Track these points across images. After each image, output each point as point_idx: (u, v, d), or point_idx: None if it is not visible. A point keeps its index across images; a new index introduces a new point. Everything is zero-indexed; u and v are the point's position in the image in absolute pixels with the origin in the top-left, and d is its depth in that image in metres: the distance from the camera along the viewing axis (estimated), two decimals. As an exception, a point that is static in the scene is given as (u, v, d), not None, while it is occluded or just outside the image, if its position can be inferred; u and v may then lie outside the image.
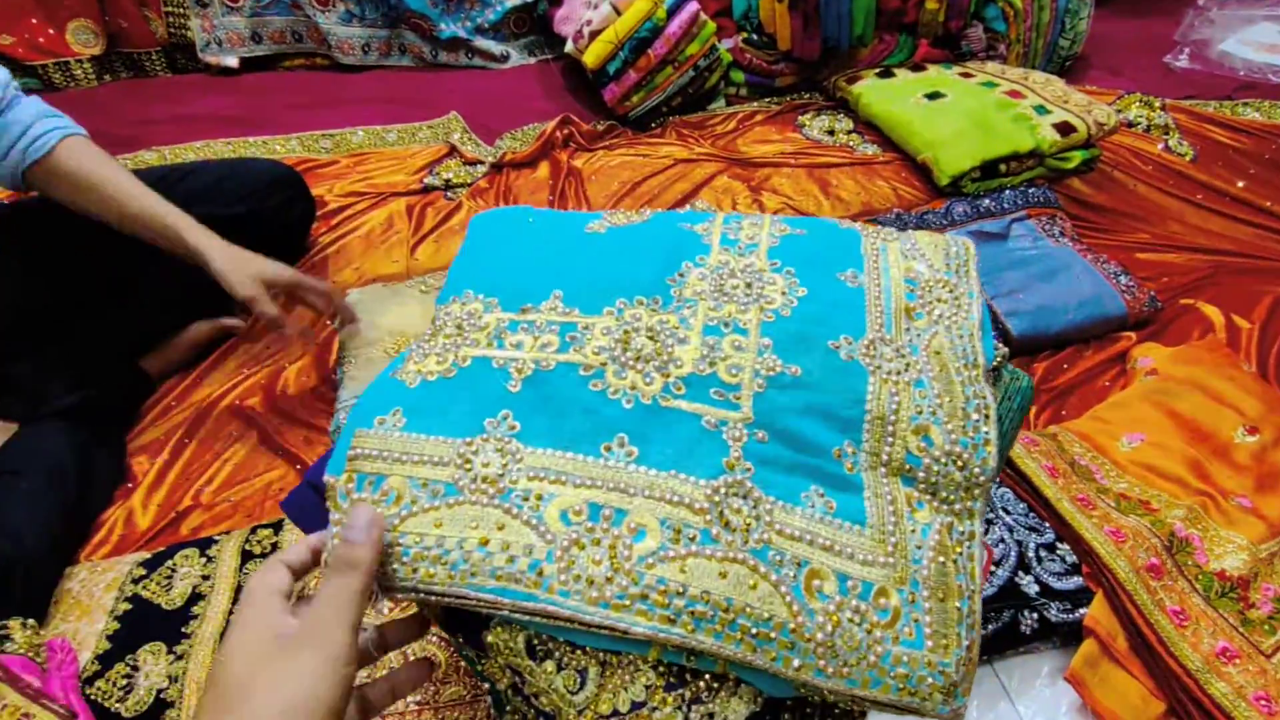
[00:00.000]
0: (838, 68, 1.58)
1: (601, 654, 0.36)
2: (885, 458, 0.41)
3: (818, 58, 1.56)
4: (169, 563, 0.78)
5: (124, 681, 0.68)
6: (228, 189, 1.03)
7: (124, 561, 0.80)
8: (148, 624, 0.72)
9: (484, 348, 0.44)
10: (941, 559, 0.38)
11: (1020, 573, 0.76)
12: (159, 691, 0.67)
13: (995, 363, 0.51)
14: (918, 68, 1.54)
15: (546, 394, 0.42)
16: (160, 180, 1.01)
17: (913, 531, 0.39)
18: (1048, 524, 0.81)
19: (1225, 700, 0.67)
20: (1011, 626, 0.73)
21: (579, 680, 0.36)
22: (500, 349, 0.44)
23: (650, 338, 0.44)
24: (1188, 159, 1.40)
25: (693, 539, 0.36)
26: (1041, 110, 1.34)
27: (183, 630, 0.72)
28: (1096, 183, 1.35)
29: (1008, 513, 0.81)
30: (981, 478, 0.40)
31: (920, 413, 0.42)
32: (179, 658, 0.69)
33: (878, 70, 1.55)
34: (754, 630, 0.35)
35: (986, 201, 1.27)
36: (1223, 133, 1.45)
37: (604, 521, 0.37)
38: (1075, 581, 0.76)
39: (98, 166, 0.84)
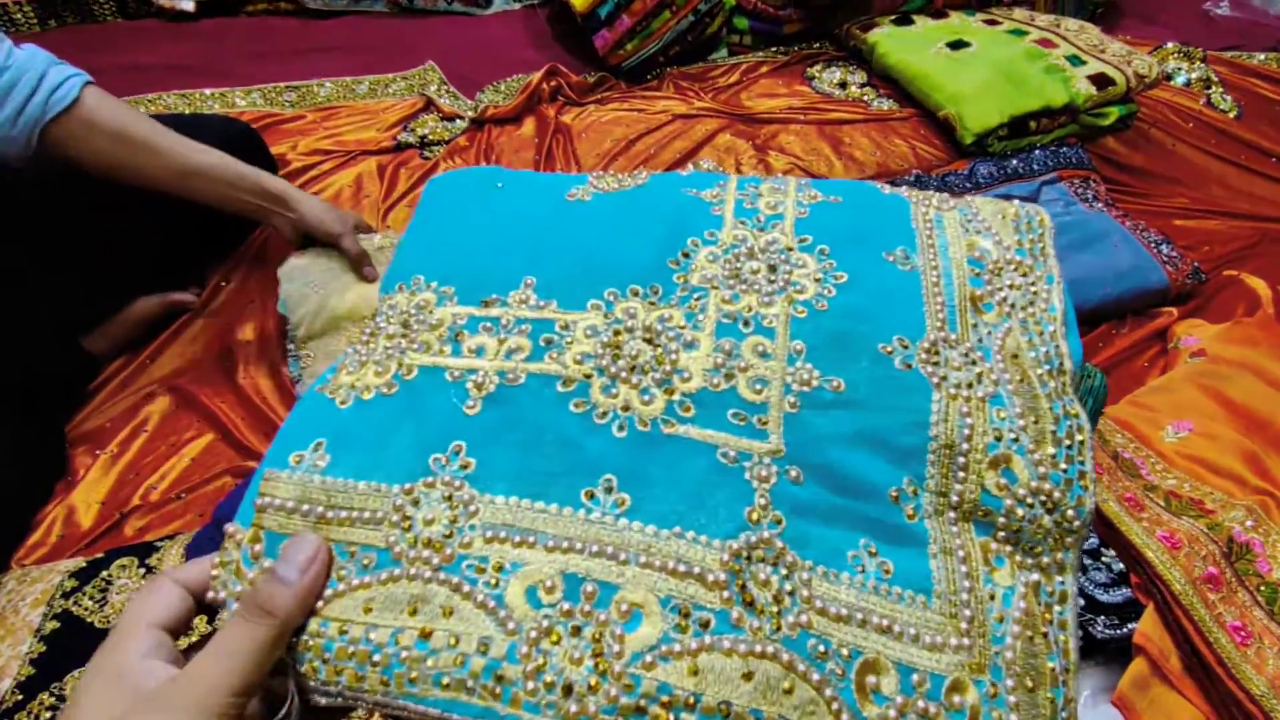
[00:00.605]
0: (851, 13, 1.45)
1: None
2: (955, 499, 0.32)
3: (829, 2, 1.43)
4: (104, 573, 0.69)
5: (48, 714, 0.59)
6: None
7: (55, 570, 0.71)
8: (77, 645, 0.64)
9: (435, 354, 0.35)
10: (1030, 634, 0.29)
11: (1063, 584, 0.67)
12: (87, 727, 0.59)
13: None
14: (939, 14, 1.42)
15: (513, 417, 0.33)
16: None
17: (992, 599, 0.30)
18: (1091, 527, 0.72)
19: (1294, 731, 0.59)
20: (1053, 645, 0.65)
21: None
22: (456, 356, 0.35)
23: (648, 340, 0.34)
24: (1232, 116, 1.29)
25: (706, 626, 0.27)
26: (1075, 61, 1.22)
27: (116, 654, 0.63)
28: (1133, 142, 1.24)
29: (1046, 514, 0.73)
30: (1076, 522, 0.31)
31: (1000, 438, 0.32)
32: (111, 686, 0.61)
33: (895, 16, 1.42)
34: None
35: (1014, 162, 1.16)
36: (1269, 87, 1.34)
37: (585, 601, 0.28)
38: (1123, 593, 0.68)
39: (136, 117, 0.79)
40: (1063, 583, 0.31)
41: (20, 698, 0.60)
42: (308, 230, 0.86)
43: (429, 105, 1.30)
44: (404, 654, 0.27)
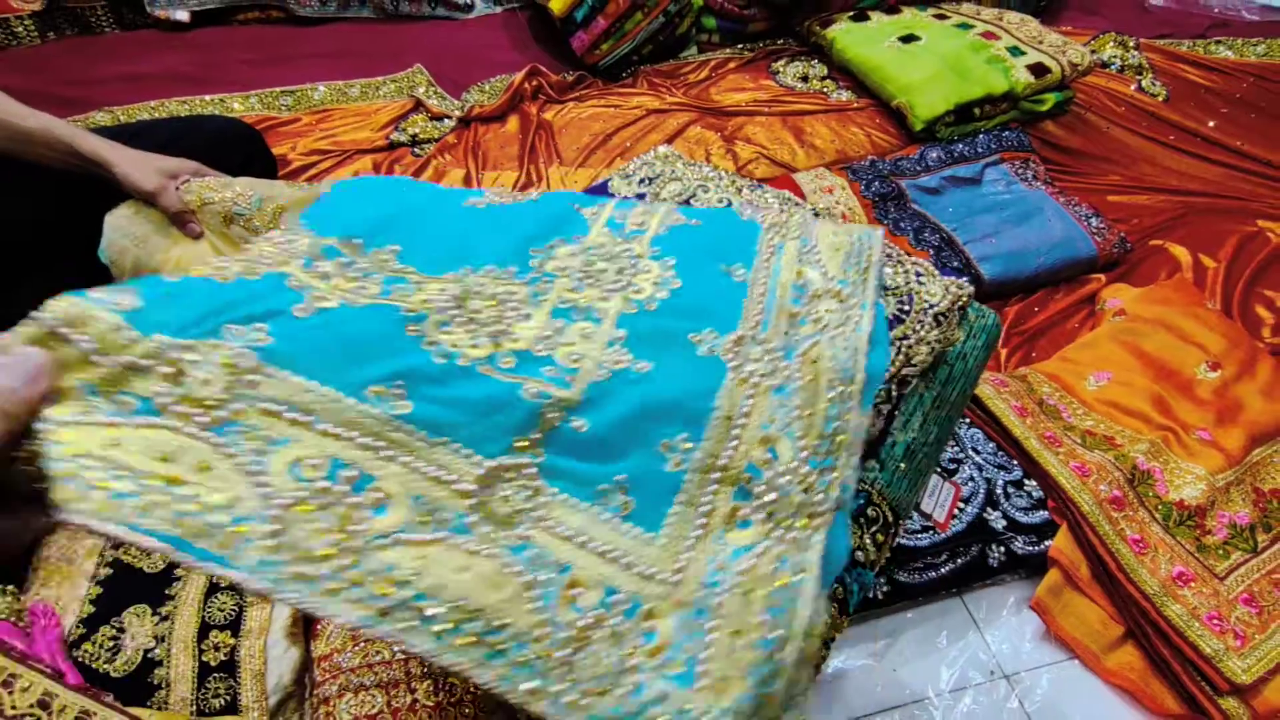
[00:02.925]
0: (811, 11, 1.55)
1: None
2: (724, 462, 0.35)
3: (790, 1, 1.52)
4: (148, 528, 0.78)
5: (110, 643, 0.68)
6: (182, 148, 0.98)
7: (103, 529, 0.80)
8: (130, 587, 0.72)
9: (286, 267, 0.37)
10: (748, 589, 0.32)
11: (989, 509, 0.78)
12: (146, 651, 0.67)
13: (961, 302, 0.52)
14: (892, 9, 1.52)
15: (339, 321, 0.35)
16: (113, 139, 0.98)
17: (717, 552, 0.33)
18: (1015, 462, 0.83)
19: (1180, 621, 0.70)
20: (980, 560, 0.76)
21: None
22: (307, 269, 0.37)
23: (491, 303, 0.39)
24: (1160, 99, 1.40)
25: (444, 523, 0.31)
26: (1016, 51, 1.32)
27: (166, 592, 0.72)
28: (1070, 125, 1.35)
29: (977, 452, 0.83)
30: (823, 507, 0.34)
31: (773, 421, 0.37)
32: (164, 618, 0.70)
33: (852, 13, 1.52)
34: (486, 639, 0.29)
35: (960, 146, 1.26)
36: (1195, 72, 1.45)
37: (343, 484, 0.31)
38: (1041, 515, 0.78)
39: None
40: (804, 559, 0.33)
41: (84, 631, 0.69)
42: (126, 189, 0.83)
43: (418, 106, 1.38)
44: (143, 491, 0.28)
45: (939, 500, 0.59)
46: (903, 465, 0.50)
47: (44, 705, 0.48)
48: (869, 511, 0.48)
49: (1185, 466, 0.81)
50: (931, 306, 0.50)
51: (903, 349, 0.49)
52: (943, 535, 0.73)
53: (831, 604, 0.46)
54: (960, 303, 0.52)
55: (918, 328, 0.50)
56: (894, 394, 0.49)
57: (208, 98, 1.43)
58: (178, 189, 0.86)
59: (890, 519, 0.49)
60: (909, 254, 0.55)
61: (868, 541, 0.48)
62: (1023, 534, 0.77)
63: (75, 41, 1.62)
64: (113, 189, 0.86)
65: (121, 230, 0.85)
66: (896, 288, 0.52)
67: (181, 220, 0.86)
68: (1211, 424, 0.87)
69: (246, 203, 0.90)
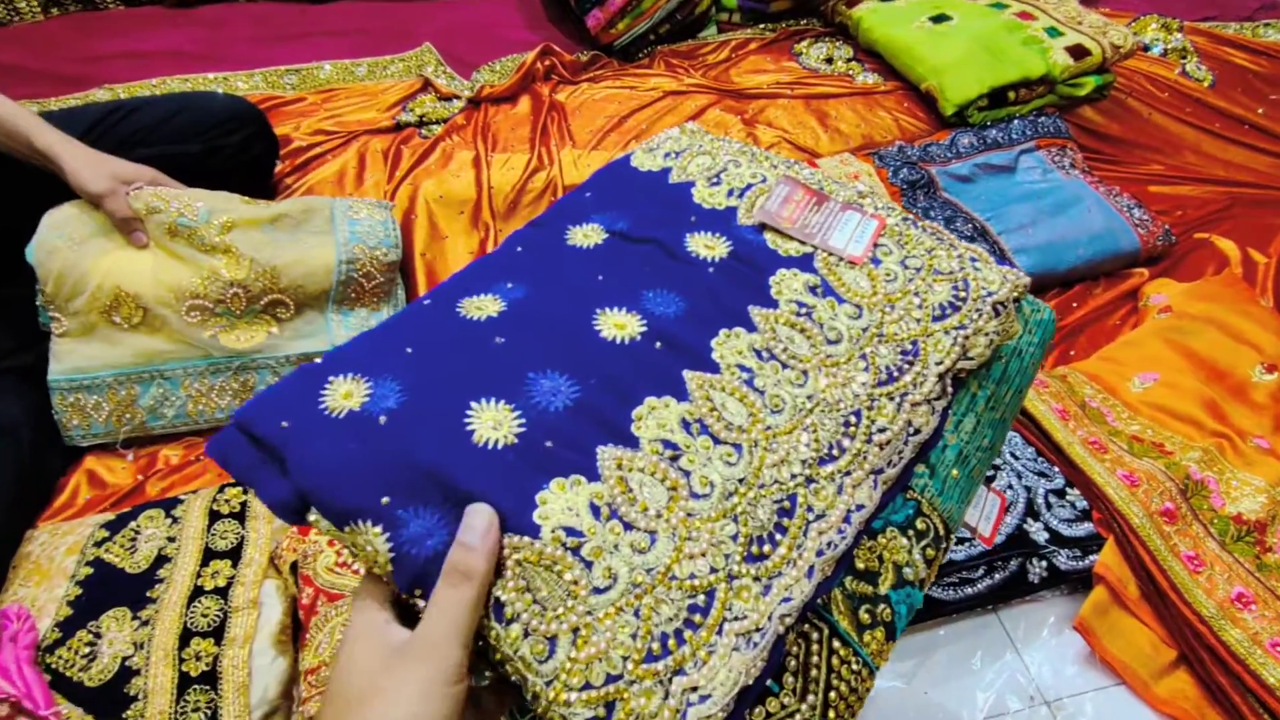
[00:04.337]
0: (837, -10, 1.48)
1: (574, 619, 0.32)
2: None
3: (815, -20, 1.46)
4: (133, 524, 0.74)
5: (87, 650, 0.64)
6: (180, 125, 0.95)
7: (85, 523, 0.76)
8: (111, 588, 0.68)
9: None
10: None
11: (1029, 519, 0.72)
12: (124, 659, 0.63)
13: (1015, 294, 0.46)
14: (922, -11, 1.44)
15: None
16: (105, 116, 0.93)
17: None
18: (1057, 469, 0.77)
19: (1240, 647, 0.64)
20: (1020, 575, 0.70)
21: (547, 649, 0.32)
22: None
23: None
24: (1206, 85, 1.32)
25: None
26: (1053, 32, 1.25)
27: (148, 595, 0.68)
28: (1109, 111, 1.28)
29: (1016, 458, 0.78)
30: None
31: None
32: (144, 623, 0.65)
33: (879, -7, 1.45)
34: None
35: (993, 132, 1.20)
36: (1243, 56, 1.37)
37: None
38: (1086, 528, 0.73)
39: None
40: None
41: (59, 635, 0.65)
42: (74, 189, 0.81)
43: (426, 86, 1.33)
44: None
45: (984, 511, 0.53)
46: (955, 473, 0.45)
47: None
48: (918, 524, 0.43)
49: (1243, 477, 0.75)
50: (990, 294, 0.45)
51: (959, 340, 0.43)
52: (980, 547, 0.68)
53: (879, 627, 0.40)
54: (1017, 292, 0.46)
55: (975, 317, 0.44)
56: (949, 391, 0.44)
57: (211, 76, 1.38)
58: (128, 195, 0.83)
59: (942, 532, 0.44)
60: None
61: (917, 557, 0.42)
62: (1066, 547, 0.71)
63: (78, 17, 1.58)
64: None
65: (59, 230, 0.82)
66: (950, 273, 0.46)
67: (128, 227, 0.83)
68: (1269, 430, 0.80)
69: (193, 215, 0.85)
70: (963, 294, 0.45)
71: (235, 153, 0.99)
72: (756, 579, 0.35)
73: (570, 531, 0.34)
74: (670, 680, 0.32)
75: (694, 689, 0.32)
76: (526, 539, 0.34)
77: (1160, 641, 0.68)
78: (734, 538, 0.36)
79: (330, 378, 0.39)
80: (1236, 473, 0.76)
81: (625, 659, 0.32)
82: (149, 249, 0.85)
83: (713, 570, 0.35)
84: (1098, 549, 0.72)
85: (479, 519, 0.33)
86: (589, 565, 0.33)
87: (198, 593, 0.68)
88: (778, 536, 0.36)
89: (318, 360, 0.41)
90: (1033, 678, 0.69)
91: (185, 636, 0.65)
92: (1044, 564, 0.71)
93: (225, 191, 0.90)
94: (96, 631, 0.65)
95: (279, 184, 1.12)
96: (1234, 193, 1.19)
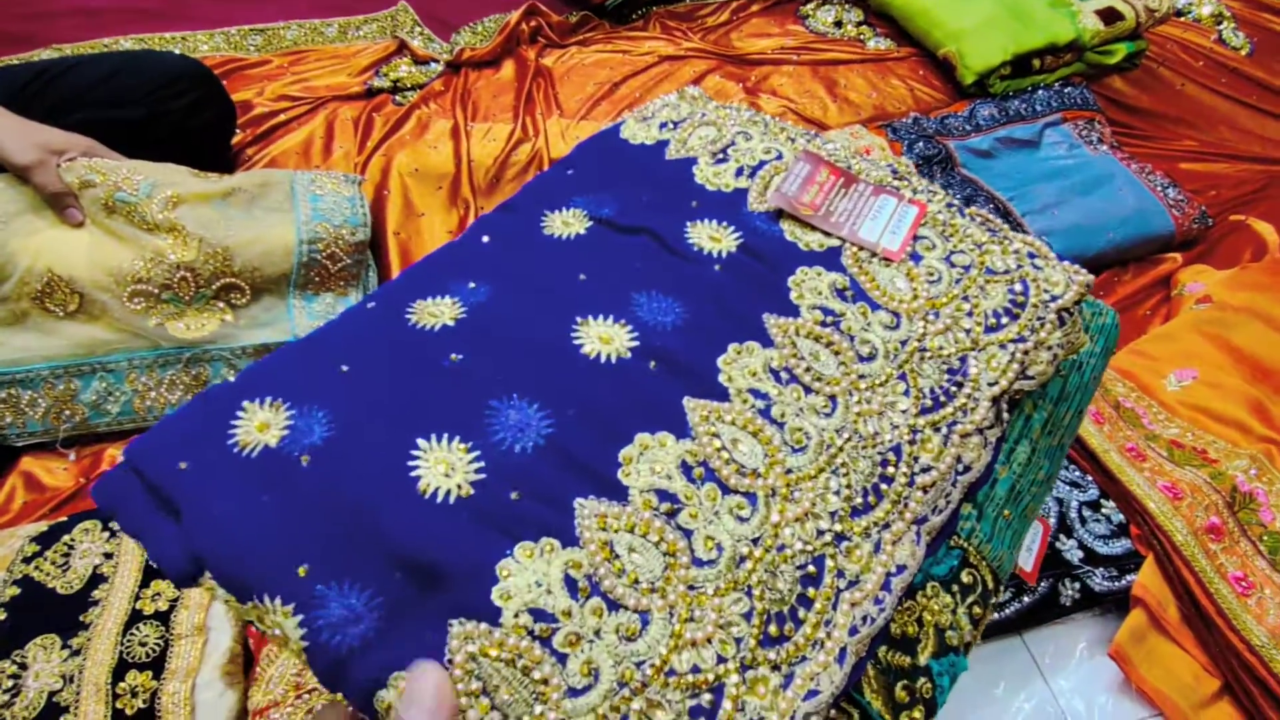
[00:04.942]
0: (847, -53, 1.38)
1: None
2: None
3: (824, -65, 1.35)
4: (66, 538, 0.66)
5: (10, 683, 0.57)
6: (119, 87, 0.85)
7: (17, 535, 0.68)
8: (39, 612, 0.61)
9: None
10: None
11: (1061, 536, 0.65)
12: (51, 694, 0.56)
13: (1080, 297, 0.39)
14: (939, -54, 1.34)
15: None
16: (35, 78, 0.84)
17: None
18: (1091, 478, 0.70)
19: (1294, 680, 0.58)
20: (1050, 597, 0.64)
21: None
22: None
23: None
24: (1243, 53, 1.24)
25: None
26: (1083, -6, 1.16)
27: (80, 619, 0.61)
28: (1140, 82, 1.19)
29: (1045, 465, 0.71)
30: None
31: None
32: (75, 653, 0.58)
33: (893, -50, 1.34)
34: None
35: (1016, 103, 1.11)
36: (1283, 22, 1.28)
37: None
38: (1123, 545, 0.66)
39: None
40: None
41: (-19, 666, 0.58)
42: None
43: (402, 48, 1.23)
44: None
45: (1025, 543, 0.46)
46: (1006, 513, 0.38)
47: None
48: (964, 576, 0.36)
49: (1294, 487, 0.68)
50: (1054, 298, 0.37)
51: (1016, 356, 0.36)
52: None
53: (917, 706, 0.33)
54: (1083, 294, 0.39)
55: (1037, 327, 0.36)
56: (1005, 418, 0.36)
57: (169, 35, 1.28)
58: (60, 166, 0.74)
59: (991, 585, 0.37)
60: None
61: (962, 617, 0.35)
62: (1101, 566, 0.65)
63: (25, -30, 1.46)
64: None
65: None
66: (1006, 272, 0.38)
67: (60, 203, 0.74)
68: (1320, 435, 0.73)
69: (133, 189, 0.75)
70: (1021, 299, 0.37)
71: (182, 118, 0.89)
72: (775, 668, 0.28)
73: (539, 615, 0.27)
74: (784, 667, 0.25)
75: (814, 678, 0.25)
76: (484, 626, 0.26)
77: (1203, 671, 0.62)
78: (747, 616, 0.28)
79: (245, 403, 0.32)
80: (1287, 483, 0.69)
81: (721, 659, 0.25)
82: (85, 227, 0.76)
83: (720, 660, 0.27)
84: (1135, 568, 0.65)
85: (425, 683, 0.25)
86: (563, 659, 0.26)
87: (136, 617, 0.61)
88: (801, 612, 0.29)
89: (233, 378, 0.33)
90: (1063, 710, 0.62)
91: (120, 669, 0.58)
92: (1077, 585, 0.64)
93: (171, 164, 0.81)
94: (21, 662, 0.58)
95: (238, 155, 1.03)
96: (1272, 171, 1.11)
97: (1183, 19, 1.28)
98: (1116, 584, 0.64)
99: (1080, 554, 0.65)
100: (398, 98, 1.13)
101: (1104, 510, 0.68)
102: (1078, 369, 0.41)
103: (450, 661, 0.26)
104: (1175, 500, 0.67)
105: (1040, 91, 1.12)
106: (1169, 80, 1.20)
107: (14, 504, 0.76)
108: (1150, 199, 0.99)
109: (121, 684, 0.57)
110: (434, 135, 1.05)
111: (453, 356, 0.33)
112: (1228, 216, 1.05)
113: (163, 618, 0.61)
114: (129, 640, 0.59)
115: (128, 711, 0.56)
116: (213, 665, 0.59)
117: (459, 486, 0.29)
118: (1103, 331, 0.43)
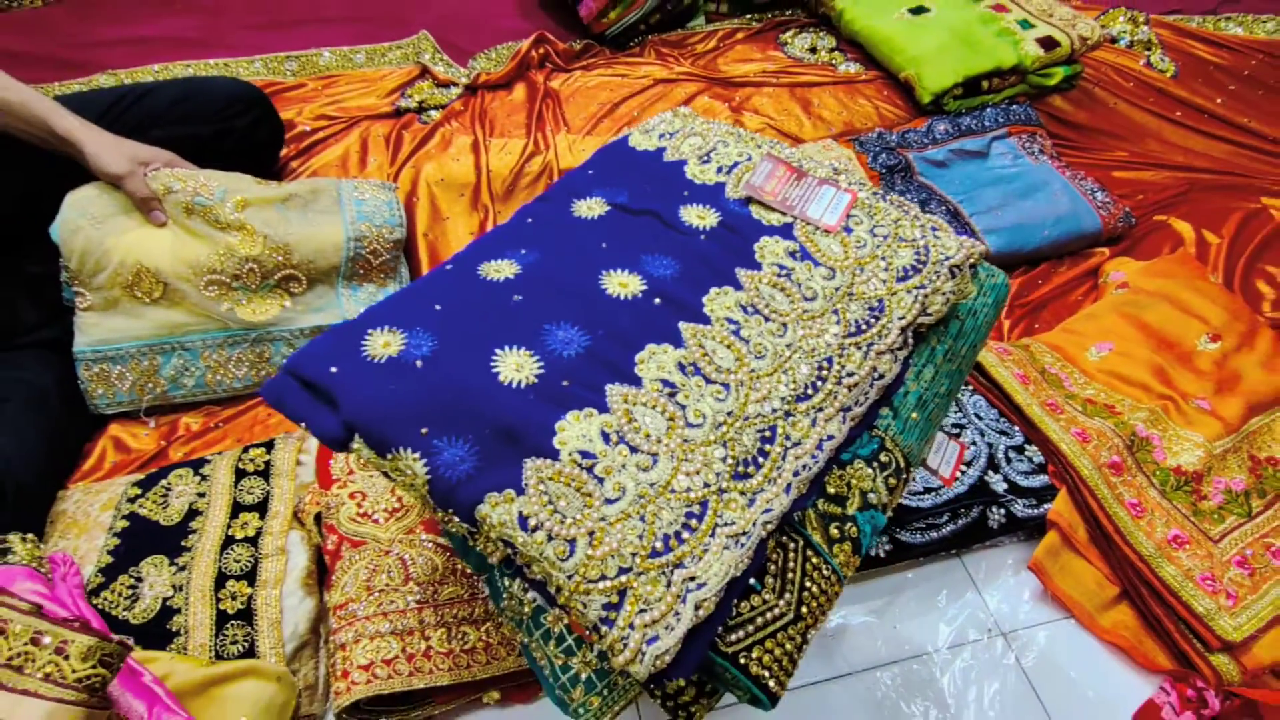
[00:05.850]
0: (821, -18, 1.53)
1: (590, 524, 0.38)
2: None
3: (800, -28, 1.51)
4: (163, 482, 0.79)
5: (129, 592, 0.69)
6: (189, 109, 0.99)
7: (117, 483, 0.81)
8: (147, 539, 0.74)
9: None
10: None
11: (990, 472, 0.79)
12: (165, 599, 0.69)
13: (971, 259, 0.53)
14: (902, -19, 1.50)
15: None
16: (116, 101, 0.97)
17: None
18: (1017, 428, 0.84)
19: (1174, 582, 0.72)
20: (980, 521, 0.77)
21: (568, 549, 0.38)
22: None
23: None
24: (1169, 75, 1.40)
25: None
26: (1025, 24, 1.32)
27: (182, 544, 0.73)
28: (1077, 100, 1.35)
29: (979, 417, 0.85)
30: None
31: None
32: (181, 569, 0.71)
33: (861, -15, 1.50)
34: None
35: (968, 119, 1.26)
36: (1205, 48, 1.45)
37: None
38: (1041, 480, 0.80)
39: None
40: None
41: (102, 580, 0.70)
42: (94, 171, 0.85)
43: (424, 73, 1.37)
44: None
45: (945, 457, 0.60)
46: (914, 415, 0.52)
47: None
48: (882, 456, 0.50)
49: (1184, 434, 0.83)
50: (947, 259, 0.51)
51: (919, 298, 0.50)
52: (945, 496, 0.75)
53: (846, 542, 0.47)
54: (972, 258, 0.53)
55: (934, 278, 0.50)
56: (910, 343, 0.50)
57: (211, 61, 1.41)
58: (146, 175, 0.88)
59: (902, 465, 0.51)
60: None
61: (880, 485, 0.49)
62: (1023, 497, 0.79)
63: (78, 3, 1.60)
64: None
65: (80, 209, 0.86)
66: (913, 240, 0.52)
67: (147, 206, 0.88)
68: (1210, 393, 0.88)
69: (209, 194, 0.90)
70: (923, 258, 0.52)
71: (244, 135, 1.03)
72: (742, 493, 0.42)
73: (585, 454, 0.40)
74: (672, 572, 0.38)
75: (692, 579, 0.38)
76: (548, 460, 0.40)
77: (1105, 579, 0.76)
78: (723, 459, 0.42)
79: (369, 330, 0.45)
80: (1179, 430, 0.83)
81: (634, 555, 0.38)
82: (167, 227, 0.90)
83: (706, 485, 0.41)
84: (1051, 498, 0.79)
85: None
86: (601, 481, 0.40)
87: (229, 541, 0.73)
88: (760, 460, 0.43)
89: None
90: (991, 613, 0.76)
91: (220, 579, 0.70)
92: (1003, 511, 0.78)
93: (237, 172, 0.95)
94: (138, 576, 0.71)
95: (284, 167, 1.16)
96: (1192, 178, 1.26)
97: (1115, 45, 1.45)
98: (1035, 511, 0.78)
99: (1005, 486, 0.79)
100: (423, 116, 1.28)
101: (1027, 453, 0.82)
102: (972, 314, 0.55)
103: (526, 485, 0.39)
104: (1084, 443, 0.81)
105: (989, 109, 1.27)
106: (1103, 99, 1.35)
107: (105, 463, 0.88)
108: (1081, 202, 1.14)
109: (223, 590, 0.69)
110: (456, 149, 1.20)
111: (515, 297, 0.47)
112: (1152, 217, 1.20)
113: (252, 541, 0.74)
114: (225, 558, 0.72)
115: (229, 611, 0.68)
116: (294, 579, 0.72)
117: (527, 378, 0.43)
118: (994, 289, 0.57)
